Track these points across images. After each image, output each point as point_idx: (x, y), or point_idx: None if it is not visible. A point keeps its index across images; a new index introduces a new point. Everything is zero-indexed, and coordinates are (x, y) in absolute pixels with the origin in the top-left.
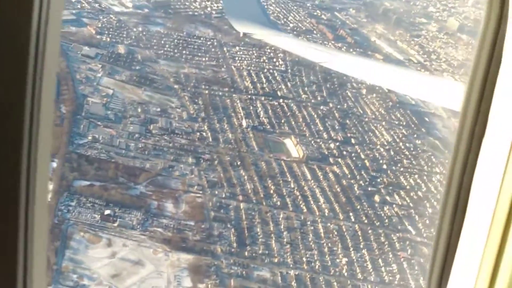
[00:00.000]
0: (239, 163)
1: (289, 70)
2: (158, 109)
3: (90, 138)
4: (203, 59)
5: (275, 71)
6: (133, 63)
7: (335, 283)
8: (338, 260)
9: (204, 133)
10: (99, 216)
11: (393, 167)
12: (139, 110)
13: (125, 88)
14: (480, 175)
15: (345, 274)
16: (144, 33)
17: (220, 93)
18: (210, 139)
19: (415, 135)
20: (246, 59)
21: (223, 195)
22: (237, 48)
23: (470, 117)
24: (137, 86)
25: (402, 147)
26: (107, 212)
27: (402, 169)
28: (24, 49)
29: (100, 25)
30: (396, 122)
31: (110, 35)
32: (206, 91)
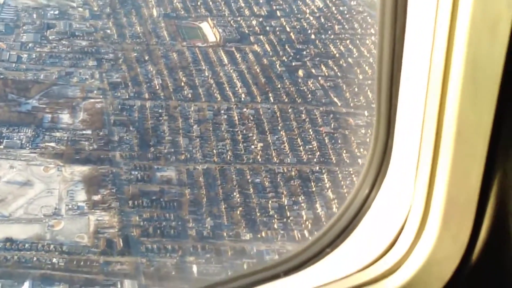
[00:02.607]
0: (147, 58)
1: None
2: (57, 12)
3: None
4: None
5: None
6: None
7: (247, 171)
8: (253, 147)
9: (108, 31)
10: None
11: (322, 36)
12: (35, 16)
13: None
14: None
15: (260, 160)
16: None
17: None
18: (115, 36)
19: None
20: None
21: (127, 96)
22: None
23: None
24: None
25: (335, 11)
26: None
27: (332, 36)
28: None
29: None
30: None
31: None
32: None
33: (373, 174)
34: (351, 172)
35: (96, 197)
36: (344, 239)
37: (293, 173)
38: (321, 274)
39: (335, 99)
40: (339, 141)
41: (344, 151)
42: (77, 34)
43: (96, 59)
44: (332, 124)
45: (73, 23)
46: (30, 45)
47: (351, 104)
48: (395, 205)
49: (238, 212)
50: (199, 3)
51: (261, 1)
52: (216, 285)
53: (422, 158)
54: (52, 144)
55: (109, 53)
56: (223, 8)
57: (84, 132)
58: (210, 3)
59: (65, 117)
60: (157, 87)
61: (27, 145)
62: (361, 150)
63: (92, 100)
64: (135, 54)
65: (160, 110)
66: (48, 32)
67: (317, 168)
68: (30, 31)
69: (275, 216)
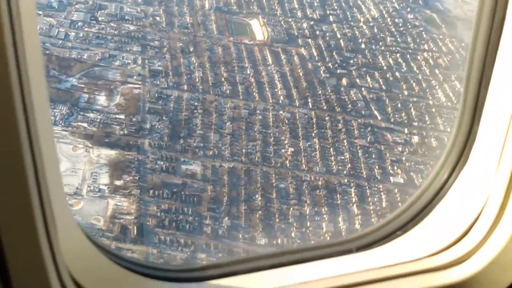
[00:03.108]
0: (191, 49)
1: None
2: None
3: None
4: None
5: None
6: None
7: (273, 175)
8: (283, 151)
9: (158, 18)
10: None
11: (373, 46)
12: None
13: None
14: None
15: (288, 165)
16: None
17: None
18: (164, 24)
19: (409, 9)
20: None
21: (165, 85)
22: None
23: None
24: None
25: (390, 23)
26: None
27: (383, 48)
28: None
29: None
30: None
31: None
32: None
33: (453, 160)
34: (380, 189)
35: (118, 182)
36: (417, 223)
37: (319, 183)
38: (391, 255)
39: (376, 112)
40: (373, 156)
41: (377, 167)
42: (126, 18)
43: (141, 45)
44: (368, 138)
45: (124, 6)
46: (79, 24)
47: (392, 120)
48: (473, 193)
49: (257, 215)
50: (252, 0)
51: (315, 4)
52: (290, 252)
53: (506, 149)
54: (84, 125)
55: (155, 40)
56: (276, 7)
57: (117, 116)
58: (264, 1)
59: (101, 99)
60: (197, 80)
61: (60, 122)
62: (395, 168)
63: (131, 85)
64: (181, 44)
65: (196, 103)
66: (99, 13)
67: (346, 180)
68: (82, 10)
69: (294, 224)
